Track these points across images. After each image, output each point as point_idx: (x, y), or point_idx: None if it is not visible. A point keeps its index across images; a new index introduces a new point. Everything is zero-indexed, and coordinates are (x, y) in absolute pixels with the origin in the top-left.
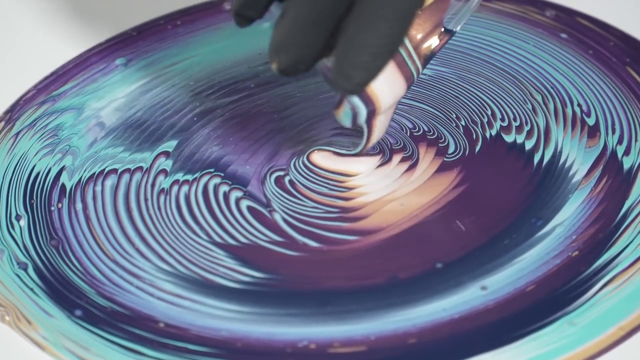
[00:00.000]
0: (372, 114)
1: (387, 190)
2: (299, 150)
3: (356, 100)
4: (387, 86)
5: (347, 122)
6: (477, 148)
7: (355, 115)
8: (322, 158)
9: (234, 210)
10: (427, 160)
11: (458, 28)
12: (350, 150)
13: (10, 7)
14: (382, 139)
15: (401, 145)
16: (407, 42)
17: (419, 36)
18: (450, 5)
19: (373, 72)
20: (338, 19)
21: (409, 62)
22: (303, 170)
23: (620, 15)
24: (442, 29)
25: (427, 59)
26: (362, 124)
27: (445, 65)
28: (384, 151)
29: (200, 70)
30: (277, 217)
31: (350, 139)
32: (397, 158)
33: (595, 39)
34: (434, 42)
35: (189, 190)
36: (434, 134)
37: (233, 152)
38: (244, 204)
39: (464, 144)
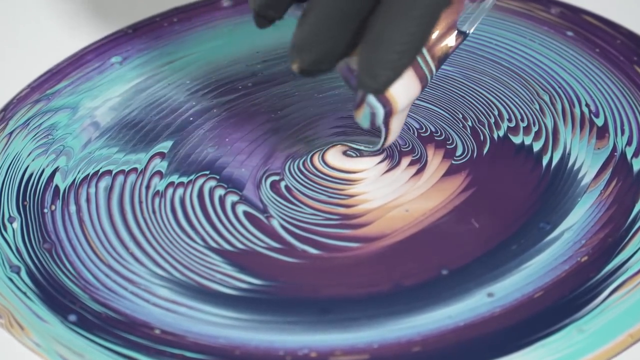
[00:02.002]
0: (388, 114)
1: (392, 197)
2: (294, 153)
3: (374, 101)
4: (403, 87)
5: (366, 123)
6: (485, 150)
7: (373, 116)
8: (333, 157)
9: (230, 215)
10: (435, 163)
11: (472, 30)
12: (368, 148)
13: (4, 5)
14: None
15: (410, 148)
16: None
17: (433, 37)
18: (464, 7)
19: (399, 70)
20: (362, 17)
21: (423, 64)
22: (299, 176)
23: (626, 12)
24: (456, 31)
25: (440, 60)
26: (380, 124)
27: (450, 64)
28: (393, 154)
29: (196, 68)
30: (275, 223)
31: (353, 137)
32: (405, 161)
33: (602, 37)
34: (447, 43)
35: (184, 193)
36: (441, 135)
37: (229, 154)
38: (240, 208)
39: (472, 146)
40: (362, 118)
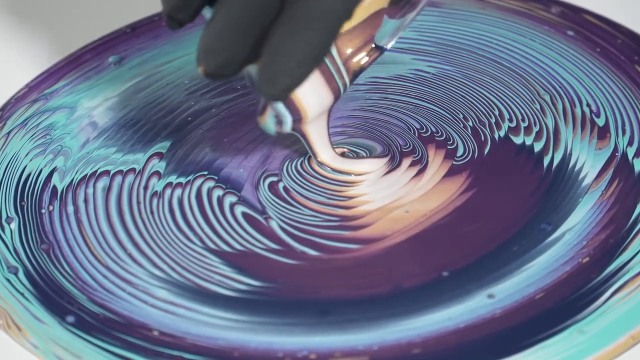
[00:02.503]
0: (297, 122)
1: (392, 198)
2: (292, 153)
3: (281, 108)
4: (314, 97)
5: (271, 129)
6: (486, 150)
7: (279, 123)
8: (331, 158)
9: (229, 216)
10: (436, 164)
11: (389, 45)
12: (366, 152)
13: (3, 4)
14: (391, 141)
15: (410, 148)
16: (336, 55)
17: (349, 51)
18: (382, 22)
19: (298, 79)
20: (267, 24)
21: (337, 76)
22: (297, 177)
23: (626, 12)
24: (373, 45)
25: (355, 74)
26: (286, 131)
27: (450, 63)
28: (394, 155)
29: (195, 68)
30: (274, 224)
31: (353, 137)
32: (406, 162)
33: (603, 37)
34: (363, 57)
35: (182, 193)
36: (442, 135)
37: (227, 154)
38: (239, 209)
39: (473, 146)
40: (265, 124)
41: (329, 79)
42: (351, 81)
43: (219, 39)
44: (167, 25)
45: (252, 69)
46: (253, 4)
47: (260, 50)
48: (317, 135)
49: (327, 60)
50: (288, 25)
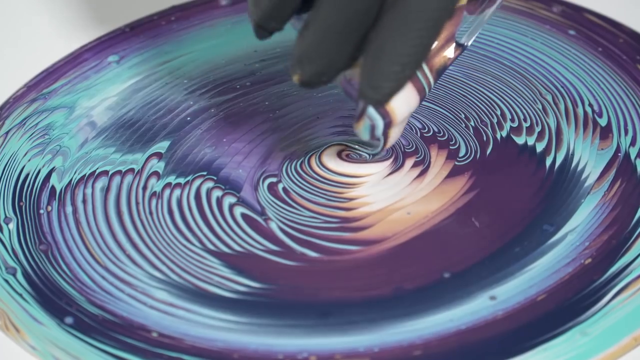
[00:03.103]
0: (387, 126)
1: (393, 199)
2: (292, 154)
3: (373, 113)
4: (402, 99)
5: (366, 135)
6: (488, 151)
7: (373, 128)
8: (330, 160)
9: (228, 217)
10: (438, 164)
11: (470, 42)
12: (367, 150)
13: (1, 4)
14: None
15: (413, 148)
16: None
17: (432, 49)
18: (462, 19)
19: (401, 82)
20: (364, 30)
21: (421, 76)
22: (296, 178)
23: (627, 11)
24: (454, 43)
25: (439, 72)
26: (379, 136)
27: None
28: (397, 155)
29: (194, 67)
30: (273, 225)
31: (353, 137)
32: (409, 163)
33: (605, 36)
34: (446, 55)
35: (181, 194)
36: (444, 135)
37: (226, 154)
38: (238, 210)
39: (475, 147)
40: (362, 130)
41: (414, 79)
42: (435, 80)
43: (316, 45)
44: (256, 35)
45: (345, 75)
46: (350, 9)
47: (356, 56)
48: (395, 136)
49: None
50: (389, 28)
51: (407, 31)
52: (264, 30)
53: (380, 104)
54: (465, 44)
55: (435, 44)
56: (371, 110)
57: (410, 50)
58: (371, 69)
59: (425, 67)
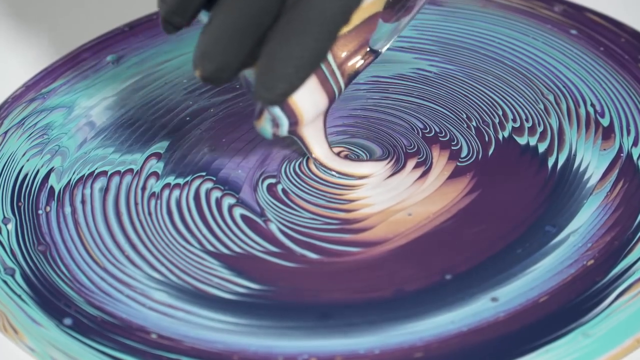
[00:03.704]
0: (294, 125)
1: (394, 201)
2: (291, 154)
3: (278, 111)
4: (310, 100)
5: (268, 133)
6: (490, 151)
7: (276, 127)
8: (329, 160)
9: (227, 218)
10: (440, 165)
11: (384, 49)
12: (365, 153)
13: None
14: (396, 142)
15: (415, 149)
16: (331, 59)
17: (344, 54)
18: (377, 27)
19: (295, 84)
20: (264, 29)
21: (331, 80)
22: (295, 180)
23: (628, 10)
24: (368, 49)
25: (350, 77)
26: (283, 135)
27: (452, 62)
28: (399, 156)
29: None
30: (273, 227)
31: (353, 138)
32: (411, 163)
33: (606, 36)
34: (358, 61)
35: (180, 194)
36: (445, 135)
37: (225, 155)
38: (237, 212)
39: (477, 147)
40: (261, 128)
41: (324, 82)
42: (346, 85)
43: (215, 43)
44: (163, 29)
45: (248, 74)
46: (250, 8)
47: (257, 54)
48: (313, 137)
49: (322, 65)
50: (286, 30)
51: (303, 34)
52: (170, 25)
53: (273, 104)
54: (379, 50)
55: (348, 50)
56: (276, 110)
57: (305, 53)
58: (265, 70)
59: (336, 70)
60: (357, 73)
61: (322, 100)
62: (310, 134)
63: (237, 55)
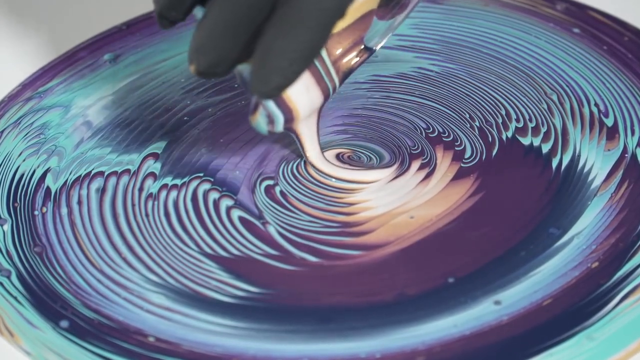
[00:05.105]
0: (289, 121)
1: (396, 204)
2: (289, 155)
3: (273, 107)
4: (305, 96)
5: (262, 128)
6: (494, 152)
7: (271, 122)
8: (331, 168)
9: (225, 220)
10: (444, 166)
11: (378, 47)
12: (366, 155)
13: None
14: (400, 142)
15: (419, 150)
16: (325, 56)
17: (338, 51)
18: (372, 24)
19: (290, 77)
20: (258, 23)
21: (326, 77)
22: (293, 182)
23: (630, 9)
24: (362, 46)
25: (344, 74)
26: (279, 130)
27: (453, 61)
28: (404, 158)
29: None
30: (272, 229)
31: (354, 138)
32: (415, 165)
33: (609, 34)
34: (352, 58)
35: (178, 195)
36: (449, 135)
37: (223, 155)
38: (235, 214)
39: (481, 148)
40: (256, 123)
41: (319, 79)
42: (340, 82)
43: (210, 37)
44: (159, 24)
45: (242, 68)
46: (245, 2)
47: (252, 49)
48: (307, 136)
49: (316, 61)
50: (281, 24)
51: (298, 28)
52: (165, 19)
53: (269, 97)
54: (374, 48)
55: (343, 47)
56: (271, 105)
57: (299, 46)
58: (261, 63)
59: (331, 67)
60: (351, 70)
61: (316, 97)
62: (304, 131)
63: (231, 50)
